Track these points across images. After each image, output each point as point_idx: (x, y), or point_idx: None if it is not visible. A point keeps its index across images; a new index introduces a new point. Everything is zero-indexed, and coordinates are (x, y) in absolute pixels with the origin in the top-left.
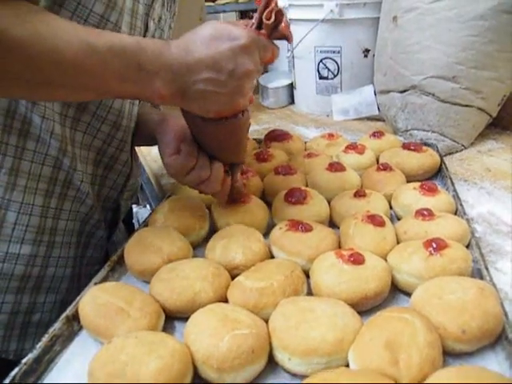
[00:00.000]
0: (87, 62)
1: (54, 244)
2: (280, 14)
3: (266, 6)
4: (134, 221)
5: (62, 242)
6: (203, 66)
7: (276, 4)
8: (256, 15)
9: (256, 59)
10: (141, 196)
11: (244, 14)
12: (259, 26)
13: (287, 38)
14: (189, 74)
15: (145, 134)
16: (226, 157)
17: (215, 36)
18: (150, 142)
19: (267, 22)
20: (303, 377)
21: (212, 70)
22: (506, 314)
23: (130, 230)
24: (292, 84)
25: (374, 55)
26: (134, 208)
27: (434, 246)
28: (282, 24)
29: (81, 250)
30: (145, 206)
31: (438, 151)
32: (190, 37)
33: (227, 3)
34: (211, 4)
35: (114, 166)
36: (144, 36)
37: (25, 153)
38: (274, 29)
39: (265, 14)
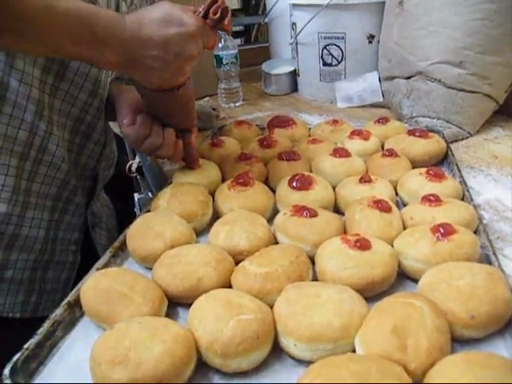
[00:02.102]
0: (45, 20)
1: (28, 205)
2: (225, 10)
3: (215, 1)
4: (135, 209)
5: (36, 204)
6: (153, 44)
7: (223, 1)
8: (204, 6)
9: (200, 45)
10: (142, 183)
11: None
12: (205, 15)
13: (227, 31)
14: (139, 49)
15: (109, 109)
16: (175, 123)
17: (166, 20)
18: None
19: (213, 16)
20: (309, 363)
21: (160, 50)
22: None
23: (132, 217)
24: (295, 71)
25: (378, 41)
26: (136, 196)
27: (442, 231)
28: (225, 21)
29: (58, 214)
30: (146, 194)
31: (443, 137)
32: (143, 14)
33: None
34: None
35: (92, 135)
36: None
37: (1, 116)
38: (218, 23)
39: (212, 8)
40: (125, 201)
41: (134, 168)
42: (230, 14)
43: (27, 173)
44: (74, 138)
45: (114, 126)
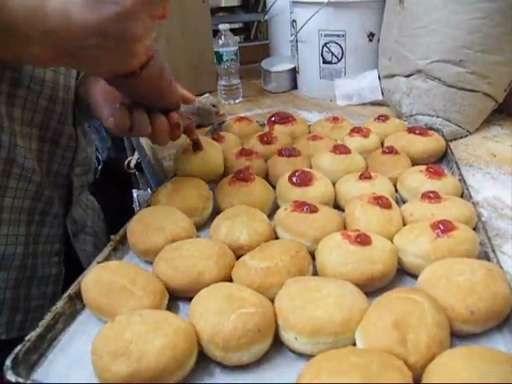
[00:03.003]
0: None
1: (0, 221)
2: None
3: None
4: (134, 205)
5: (9, 219)
6: (87, 32)
7: None
8: None
9: (145, 21)
10: (141, 180)
11: None
12: None
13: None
14: (71, 41)
15: (80, 107)
16: (154, 104)
17: None
18: (87, 113)
19: None
20: (309, 356)
21: (98, 37)
22: None
23: (130, 214)
24: (295, 69)
25: (378, 39)
26: (134, 192)
27: (442, 227)
28: None
29: (34, 227)
30: (145, 190)
31: (443, 136)
32: None
33: None
34: None
35: (60, 141)
36: None
37: None
38: None
39: None
40: (123, 197)
41: (132, 164)
42: None
43: None
44: (43, 146)
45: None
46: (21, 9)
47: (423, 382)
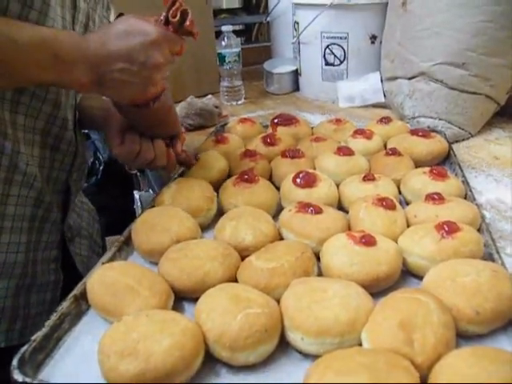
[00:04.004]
0: (8, 55)
1: (2, 230)
2: (185, 12)
3: (173, 4)
4: (135, 206)
5: (11, 227)
6: (117, 57)
7: (181, 3)
8: (164, 12)
9: (165, 52)
10: (143, 181)
11: None
12: (167, 22)
13: (192, 34)
14: (104, 65)
15: (89, 126)
16: (160, 133)
17: (128, 31)
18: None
19: (173, 19)
20: (315, 357)
21: (125, 62)
22: None
23: (132, 215)
24: (297, 70)
25: (381, 42)
26: (136, 194)
27: (446, 229)
28: (187, 22)
29: (35, 235)
30: (147, 191)
31: (445, 138)
32: (105, 31)
33: None
34: None
35: (60, 146)
36: (74, 16)
37: None
38: (180, 26)
39: (171, 12)
40: (124, 198)
41: None
42: (190, 15)
43: None
44: (44, 152)
45: None
46: (69, 40)
47: (430, 382)
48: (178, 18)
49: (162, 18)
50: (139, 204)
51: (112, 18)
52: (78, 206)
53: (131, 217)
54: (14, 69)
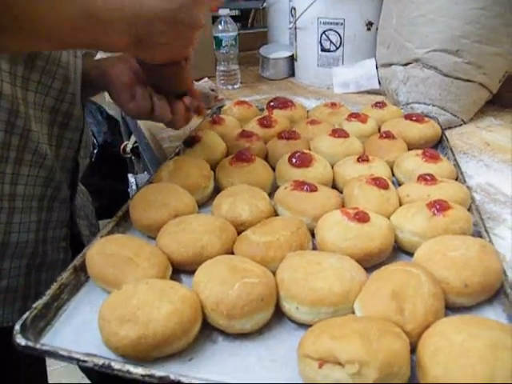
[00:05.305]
0: (38, 7)
1: (14, 210)
2: None
3: None
4: (129, 190)
5: (22, 207)
6: (158, 19)
7: None
8: None
9: (205, 11)
10: (137, 164)
11: None
12: None
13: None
14: (144, 27)
15: (91, 91)
16: (174, 90)
17: None
18: (93, 93)
19: None
20: (309, 326)
21: (167, 24)
22: (504, 272)
23: (126, 199)
24: (293, 56)
25: (377, 29)
26: (130, 177)
27: (437, 207)
28: None
29: (45, 213)
30: (143, 173)
31: (439, 124)
32: None
33: None
34: None
35: (69, 123)
36: None
37: None
38: None
39: None
40: (118, 181)
41: (128, 149)
42: None
43: (9, 176)
44: (52, 130)
45: (109, 108)
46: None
47: (419, 347)
48: None
49: None
50: (134, 187)
51: None
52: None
53: (125, 200)
54: (48, 28)
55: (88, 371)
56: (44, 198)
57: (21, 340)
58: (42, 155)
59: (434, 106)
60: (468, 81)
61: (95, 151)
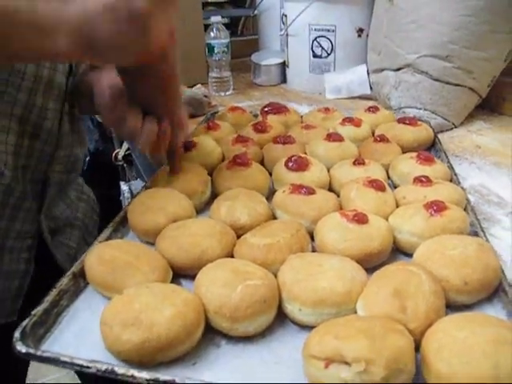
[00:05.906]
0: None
1: None
2: None
3: None
4: (121, 198)
5: None
6: (100, 9)
7: None
8: None
9: (159, 3)
10: (129, 172)
11: None
12: None
13: None
14: (89, 24)
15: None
16: (155, 107)
17: None
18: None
19: None
20: (312, 328)
21: (109, 11)
22: (502, 270)
23: (118, 206)
24: (284, 63)
25: (367, 35)
26: (122, 185)
27: (435, 207)
28: None
29: (5, 222)
30: (135, 180)
31: (431, 126)
32: None
33: None
34: None
35: (40, 135)
36: None
37: None
38: None
39: None
40: (110, 189)
41: (120, 156)
42: None
43: None
44: (22, 140)
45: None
46: (47, 7)
47: (423, 345)
48: None
49: None
50: (126, 195)
51: None
52: (71, 199)
53: (118, 208)
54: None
55: (86, 380)
56: (6, 205)
57: (21, 347)
58: (2, 163)
59: (425, 110)
60: (458, 85)
61: (87, 159)
